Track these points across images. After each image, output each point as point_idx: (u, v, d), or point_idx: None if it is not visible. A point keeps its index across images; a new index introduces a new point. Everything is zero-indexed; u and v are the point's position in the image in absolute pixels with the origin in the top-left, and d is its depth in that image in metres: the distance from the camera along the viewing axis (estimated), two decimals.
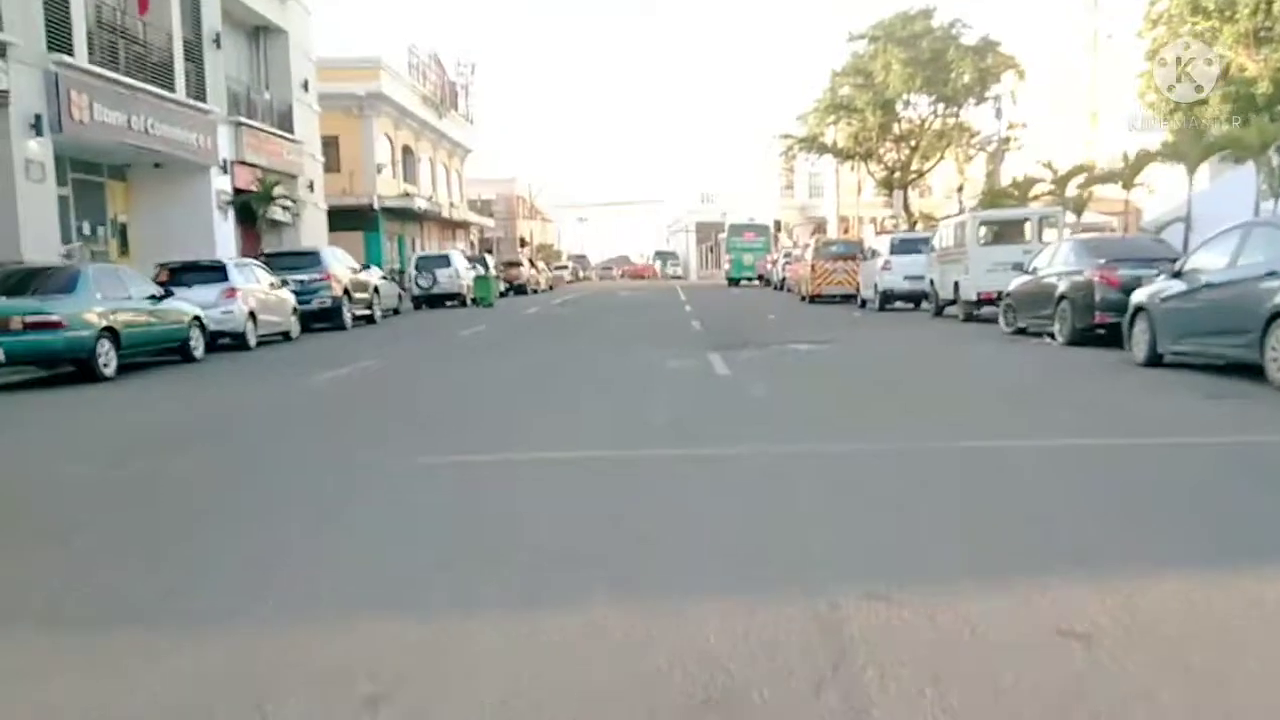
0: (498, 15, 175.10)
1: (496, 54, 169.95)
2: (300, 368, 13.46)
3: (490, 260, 40.52)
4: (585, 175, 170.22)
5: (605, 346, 15.46)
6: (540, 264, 49.48)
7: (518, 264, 43.13)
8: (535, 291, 43.93)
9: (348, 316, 21.31)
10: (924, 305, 23.11)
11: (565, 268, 68.71)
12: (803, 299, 29.93)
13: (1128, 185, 19.97)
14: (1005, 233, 18.91)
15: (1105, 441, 6.58)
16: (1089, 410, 8.09)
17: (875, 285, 24.20)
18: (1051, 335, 13.97)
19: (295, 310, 18.69)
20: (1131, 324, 11.12)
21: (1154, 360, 10.58)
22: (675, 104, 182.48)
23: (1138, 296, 11.11)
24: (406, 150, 42.77)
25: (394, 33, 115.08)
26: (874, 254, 24.99)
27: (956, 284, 19.26)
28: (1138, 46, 34.75)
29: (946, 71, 45.94)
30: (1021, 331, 15.45)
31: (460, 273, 30.43)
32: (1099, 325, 13.04)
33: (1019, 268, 15.63)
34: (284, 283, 18.47)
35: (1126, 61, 36.02)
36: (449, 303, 30.79)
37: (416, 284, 30.11)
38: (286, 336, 18.31)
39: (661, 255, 79.47)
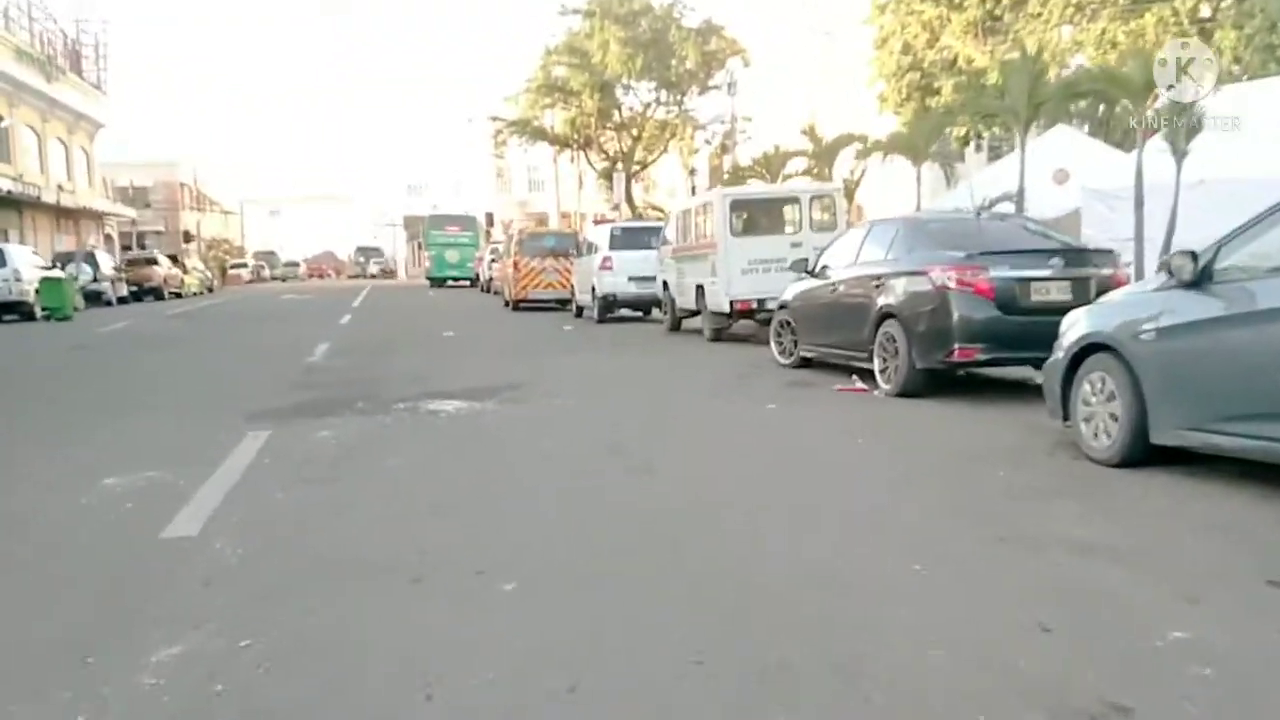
0: None
1: (169, 25, 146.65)
2: None
3: (106, 258, 31.02)
4: (282, 165, 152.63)
5: (76, 421, 8.17)
6: (192, 262, 39.80)
7: (150, 261, 33.55)
8: (179, 295, 34.64)
9: None
10: (656, 313, 17.40)
11: (244, 265, 58.45)
12: (507, 305, 23.51)
13: (921, 157, 15.09)
14: (765, 218, 13.35)
15: None
16: None
17: (593, 289, 18.17)
18: (868, 375, 8.31)
19: None
20: (1069, 378, 5.46)
21: (1138, 455, 4.97)
22: (380, 83, 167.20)
23: (1090, 324, 5.45)
24: None
25: None
26: (591, 248, 18.95)
27: (700, 289, 13.48)
28: (865, 35, 31.55)
29: (669, 55, 41.51)
30: (807, 363, 9.78)
31: (20, 274, 21.33)
32: (958, 363, 7.47)
33: (800, 266, 9.95)
34: None
35: (853, 51, 32.78)
36: (6, 316, 21.64)
37: None
38: None
39: (364, 251, 70.04)
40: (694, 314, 14.55)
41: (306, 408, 7.75)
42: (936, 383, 7.69)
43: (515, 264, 22.47)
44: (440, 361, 11.47)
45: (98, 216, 39.84)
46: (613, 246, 17.79)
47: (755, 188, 17.17)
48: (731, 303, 12.55)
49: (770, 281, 12.12)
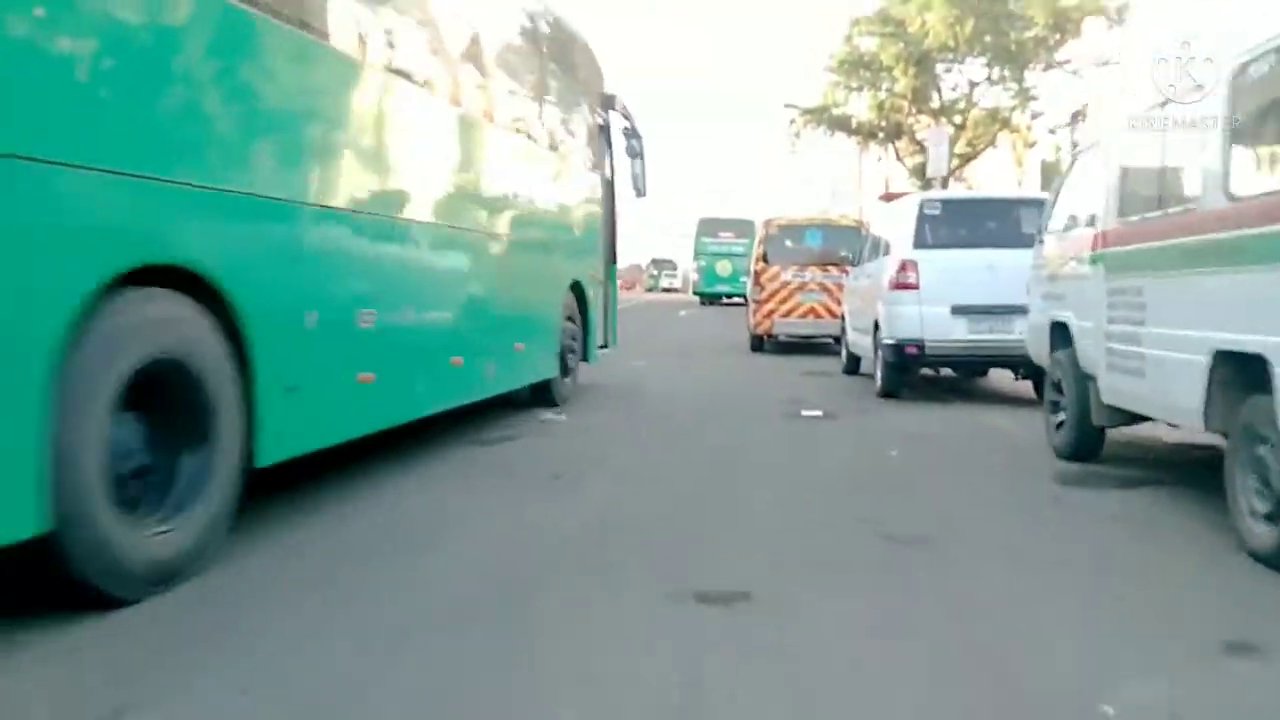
0: None
1: None
2: None
3: None
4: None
5: None
6: None
7: None
8: None
9: None
10: (1003, 378, 7.67)
11: None
12: (752, 341, 14.22)
13: None
14: None
15: None
16: None
17: (875, 328, 8.58)
18: None
19: None
20: None
21: None
22: (689, 81, 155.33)
23: None
24: None
25: None
26: (878, 249, 9.36)
27: (1259, 366, 3.70)
28: None
29: (1007, 21, 30.22)
30: None
31: None
32: None
33: None
34: None
35: None
36: None
37: None
38: None
39: (658, 263, 63.12)
40: (1136, 420, 4.80)
41: None
42: None
43: (757, 277, 13.28)
44: None
45: None
46: (920, 242, 8.15)
47: None
48: None
49: None
